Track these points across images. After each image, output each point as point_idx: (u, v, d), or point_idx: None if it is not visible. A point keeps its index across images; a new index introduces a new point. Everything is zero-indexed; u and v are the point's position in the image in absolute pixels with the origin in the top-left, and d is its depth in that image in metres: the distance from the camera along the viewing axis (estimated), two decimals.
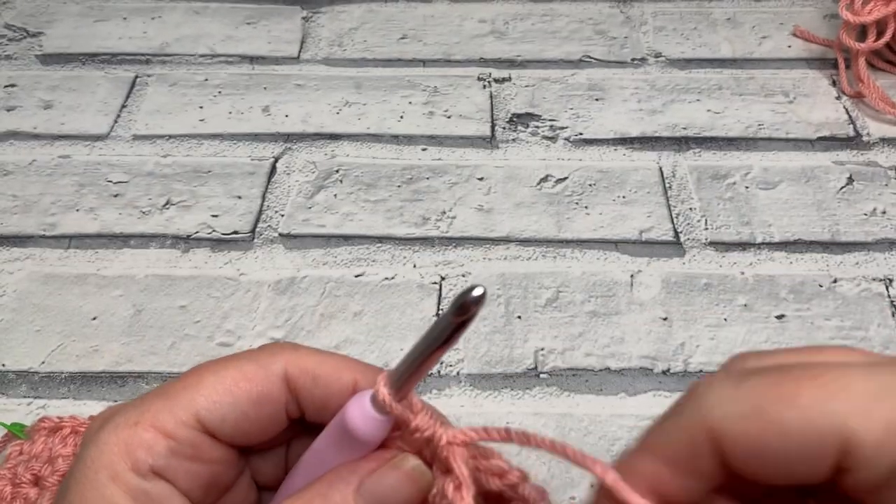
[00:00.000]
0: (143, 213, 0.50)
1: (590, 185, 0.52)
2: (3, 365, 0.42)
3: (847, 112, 0.56)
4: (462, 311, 0.19)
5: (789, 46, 0.62)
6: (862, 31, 0.58)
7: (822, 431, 0.16)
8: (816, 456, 0.17)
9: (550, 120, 0.56)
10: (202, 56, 0.61)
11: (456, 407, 0.40)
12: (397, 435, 0.22)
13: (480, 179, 0.52)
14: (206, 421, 0.21)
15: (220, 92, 0.58)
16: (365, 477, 0.21)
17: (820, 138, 0.55)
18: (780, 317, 0.44)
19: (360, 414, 0.21)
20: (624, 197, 0.51)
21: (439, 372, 0.42)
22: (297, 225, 0.49)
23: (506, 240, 0.48)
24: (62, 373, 0.42)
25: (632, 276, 0.46)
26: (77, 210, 0.50)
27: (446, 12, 0.66)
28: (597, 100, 0.58)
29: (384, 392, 0.21)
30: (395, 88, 0.59)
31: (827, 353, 0.19)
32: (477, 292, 0.19)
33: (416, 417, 0.22)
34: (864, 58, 0.56)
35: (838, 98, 0.58)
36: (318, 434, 0.24)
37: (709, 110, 0.57)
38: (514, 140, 0.55)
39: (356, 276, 0.46)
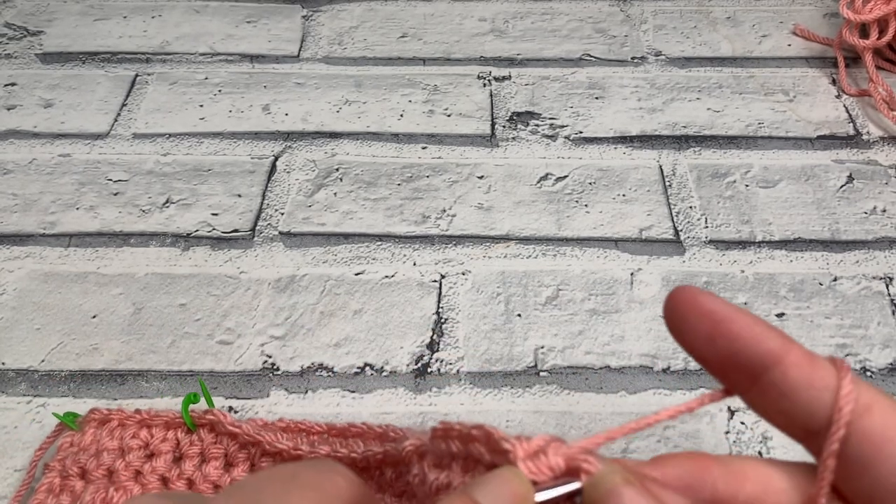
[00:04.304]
0: (144, 211, 0.50)
1: (590, 183, 0.52)
2: (3, 363, 0.42)
3: (847, 111, 0.56)
4: None
5: (789, 45, 0.62)
6: (862, 30, 0.58)
7: None
8: None
9: (550, 118, 0.56)
10: (202, 55, 0.61)
11: (456, 405, 0.40)
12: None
13: (480, 178, 0.52)
14: None
15: (220, 90, 0.58)
16: None
17: (820, 137, 0.55)
18: (780, 315, 0.44)
19: None
20: (624, 195, 0.51)
21: (439, 370, 0.42)
22: (297, 223, 0.49)
23: (506, 238, 0.48)
24: (62, 371, 0.42)
25: (632, 274, 0.46)
26: (77, 208, 0.50)
27: (446, 11, 0.66)
28: (597, 98, 0.58)
29: None
30: (395, 87, 0.59)
31: None
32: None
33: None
34: (870, 54, 0.56)
35: (838, 97, 0.58)
36: None
37: (709, 109, 0.57)
38: (514, 138, 0.55)
39: (356, 275, 0.46)
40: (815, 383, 0.19)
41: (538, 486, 0.20)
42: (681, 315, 0.21)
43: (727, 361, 0.20)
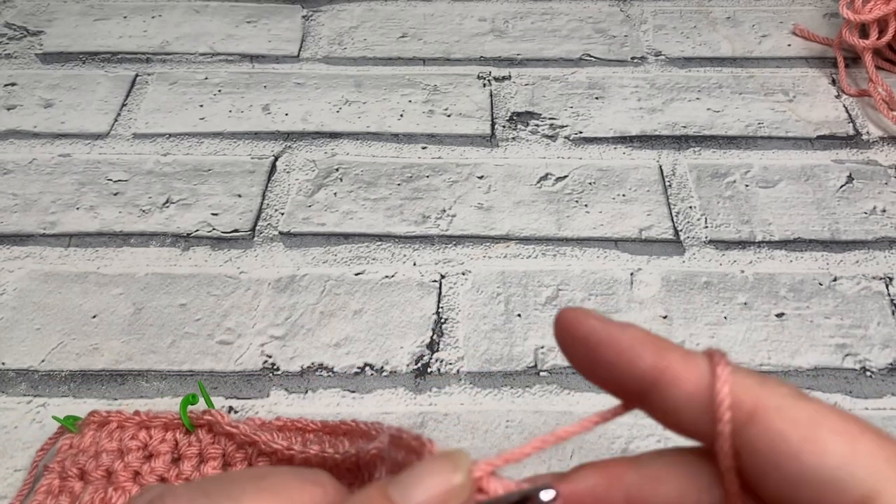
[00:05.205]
0: (144, 211, 0.50)
1: (590, 183, 0.52)
2: (3, 363, 0.42)
3: (847, 111, 0.57)
4: None
5: (789, 45, 0.62)
6: (862, 30, 0.58)
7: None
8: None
9: (550, 118, 0.56)
10: (202, 55, 0.61)
11: (456, 405, 0.40)
12: None
13: (480, 178, 0.52)
14: None
15: (220, 90, 0.58)
16: None
17: (819, 137, 0.55)
18: (779, 315, 0.44)
19: None
20: (624, 195, 0.51)
21: (439, 370, 0.42)
22: (297, 223, 0.49)
23: (506, 238, 0.48)
24: (62, 371, 0.42)
25: (632, 274, 0.46)
26: (77, 208, 0.50)
27: (446, 11, 0.66)
28: (597, 98, 0.58)
29: None
30: (395, 87, 0.59)
31: None
32: (546, 496, 0.18)
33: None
34: (870, 54, 0.56)
35: (838, 97, 0.58)
36: None
37: (709, 109, 0.57)
38: (513, 138, 0.55)
39: (356, 275, 0.46)
40: (694, 398, 0.18)
41: None
42: (564, 341, 0.20)
43: (611, 385, 0.20)
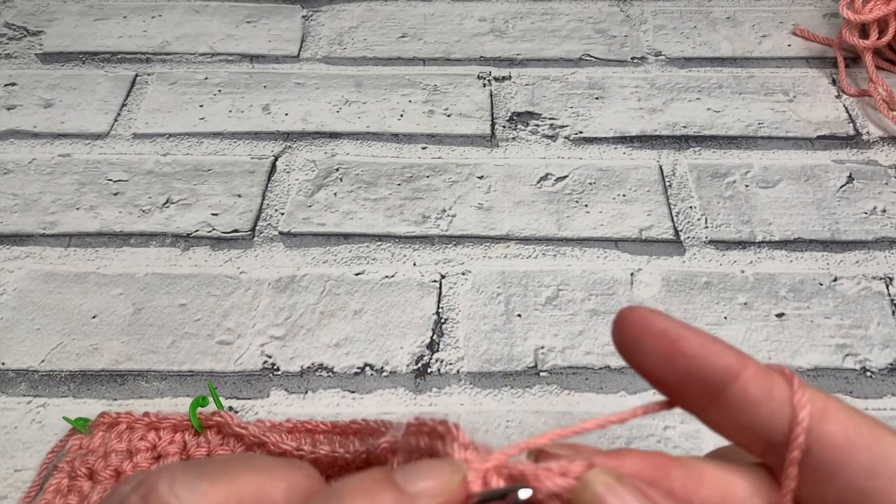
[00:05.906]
0: (144, 211, 0.50)
1: (590, 183, 0.52)
2: (3, 364, 0.42)
3: (847, 111, 0.56)
4: None
5: (789, 45, 0.62)
6: (862, 30, 0.58)
7: None
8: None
9: (550, 118, 0.56)
10: (202, 55, 0.61)
11: (456, 405, 0.40)
12: None
13: (480, 178, 0.52)
14: None
15: (220, 90, 0.58)
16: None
17: (820, 137, 0.55)
18: (779, 315, 0.44)
19: None
20: (624, 195, 0.51)
21: (439, 370, 0.42)
22: (297, 223, 0.49)
23: (506, 238, 0.48)
24: (62, 371, 0.42)
25: (632, 274, 0.46)
26: (77, 209, 0.50)
27: (446, 11, 0.66)
28: (597, 98, 0.58)
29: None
30: (395, 87, 0.59)
31: None
32: (523, 495, 0.18)
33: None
34: (870, 54, 0.56)
35: (838, 97, 0.58)
36: None
37: (709, 109, 0.57)
38: (514, 138, 0.55)
39: (356, 275, 0.46)
40: (774, 395, 0.19)
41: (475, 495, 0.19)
42: (633, 336, 0.20)
43: (685, 381, 0.20)
